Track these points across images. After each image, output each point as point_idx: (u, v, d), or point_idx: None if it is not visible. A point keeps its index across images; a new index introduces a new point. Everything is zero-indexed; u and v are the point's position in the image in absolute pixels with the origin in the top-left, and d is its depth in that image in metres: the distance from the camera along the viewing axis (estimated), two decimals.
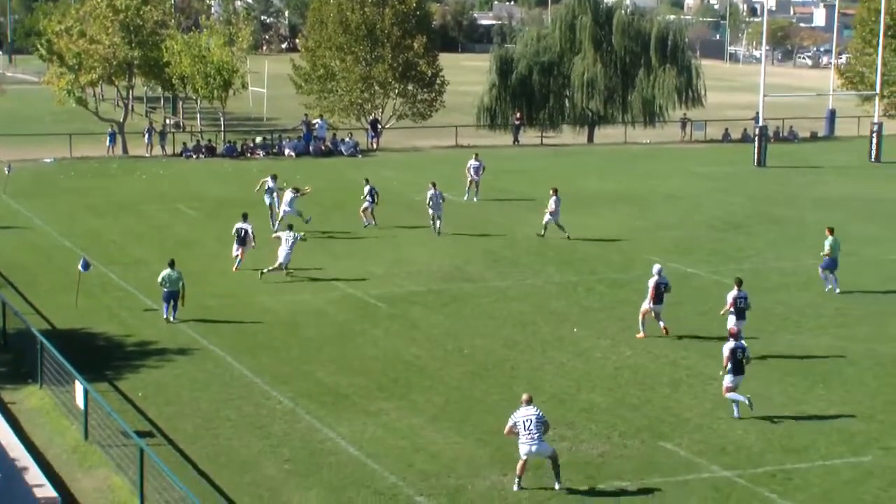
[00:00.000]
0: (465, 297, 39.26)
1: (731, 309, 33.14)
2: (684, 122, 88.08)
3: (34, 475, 24.01)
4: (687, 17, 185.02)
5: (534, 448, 23.76)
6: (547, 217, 48.11)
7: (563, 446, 25.97)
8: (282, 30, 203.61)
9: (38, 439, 26.69)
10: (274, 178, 49.91)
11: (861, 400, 29.41)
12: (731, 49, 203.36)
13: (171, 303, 35.83)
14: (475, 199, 55.67)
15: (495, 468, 24.93)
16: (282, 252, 41.12)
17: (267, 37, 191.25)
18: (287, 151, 74.47)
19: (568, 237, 47.67)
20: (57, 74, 75.84)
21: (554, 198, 48.15)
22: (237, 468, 24.95)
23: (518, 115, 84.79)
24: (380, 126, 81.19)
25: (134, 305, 37.62)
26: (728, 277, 41.48)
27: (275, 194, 49.18)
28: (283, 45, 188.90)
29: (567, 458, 25.38)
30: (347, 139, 76.93)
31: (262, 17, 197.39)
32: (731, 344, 28.38)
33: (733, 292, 33.34)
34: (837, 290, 39.87)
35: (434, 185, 48.64)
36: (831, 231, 40.54)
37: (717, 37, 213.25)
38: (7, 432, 26.36)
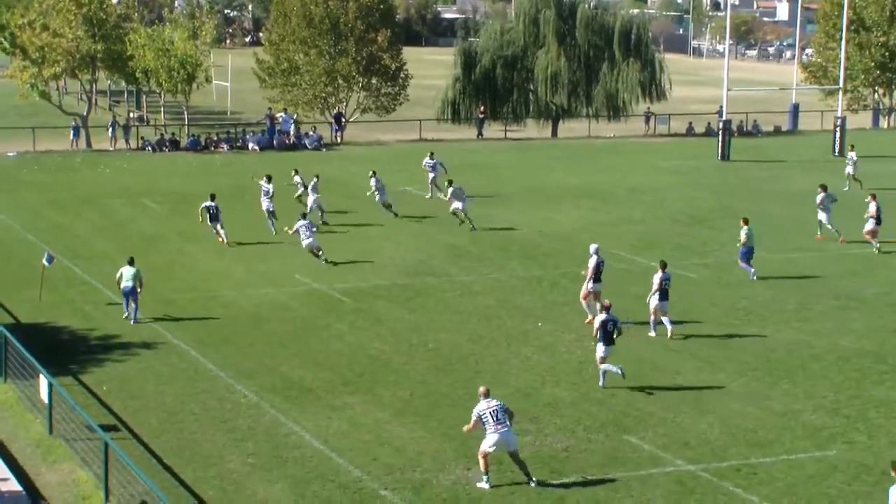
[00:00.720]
0: (429, 291, 39.31)
1: (657, 289, 34.08)
2: (648, 116, 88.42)
3: None
4: (650, 11, 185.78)
5: (505, 437, 23.71)
6: (456, 205, 48.87)
7: (527, 440, 26.05)
8: (245, 23, 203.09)
9: (2, 433, 26.59)
10: (269, 178, 49.29)
11: (825, 394, 29.59)
12: (694, 43, 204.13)
13: (131, 302, 35.25)
14: (439, 196, 55.42)
15: (460, 462, 24.99)
16: (305, 241, 42.48)
17: (230, 30, 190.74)
18: (251, 145, 74.34)
19: (472, 228, 48.50)
20: (20, 68, 75.48)
21: (451, 189, 49.04)
22: (202, 462, 24.93)
23: (482, 108, 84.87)
24: (344, 120, 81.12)
25: (98, 299, 37.52)
26: (692, 272, 41.89)
27: (272, 196, 48.49)
28: (247, 39, 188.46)
29: (531, 452, 25.47)
30: (311, 133, 76.85)
31: (226, 11, 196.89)
32: (602, 316, 29.76)
33: (659, 274, 34.23)
34: (754, 278, 40.78)
35: (374, 172, 50.46)
36: (746, 221, 41.28)
37: (681, 31, 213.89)
38: None
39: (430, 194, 56.30)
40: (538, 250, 45.31)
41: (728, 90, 75.70)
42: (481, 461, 24.05)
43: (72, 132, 73.73)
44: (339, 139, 79.50)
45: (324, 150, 74.85)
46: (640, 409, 28.37)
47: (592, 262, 35.36)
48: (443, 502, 23.31)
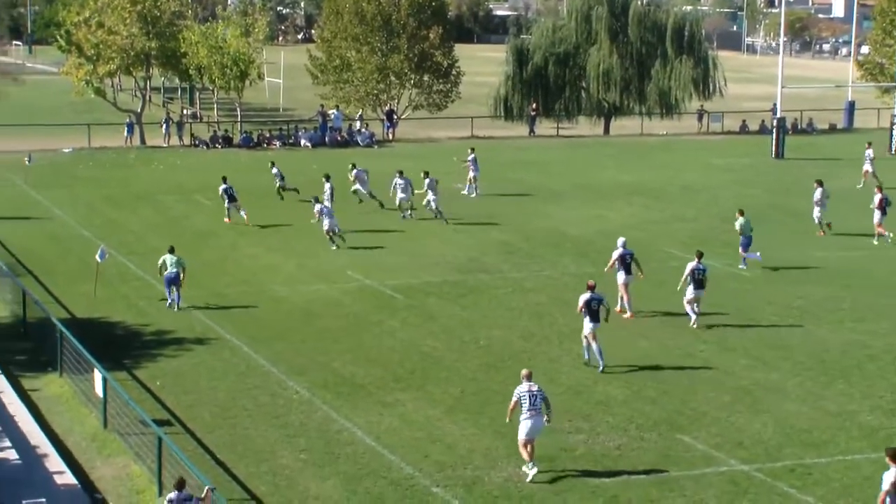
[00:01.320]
0: (481, 288, 39.29)
1: (689, 279, 34.68)
2: (701, 114, 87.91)
3: (54, 462, 24.21)
4: (704, 7, 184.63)
5: (534, 425, 24.03)
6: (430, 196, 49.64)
7: (579, 438, 26.06)
8: (298, 20, 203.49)
9: (58, 427, 26.83)
10: (327, 177, 50.42)
11: (882, 395, 29.32)
12: (748, 40, 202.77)
13: (174, 289, 36.05)
14: (474, 195, 55.31)
15: (511, 460, 24.94)
16: (326, 222, 44.57)
17: (283, 27, 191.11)
18: (303, 142, 74.54)
19: (446, 221, 49.14)
20: (75, 65, 75.95)
21: (427, 181, 49.53)
22: (254, 457, 25.04)
23: (534, 106, 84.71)
24: (395, 116, 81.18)
25: (151, 295, 37.72)
26: (745, 270, 41.60)
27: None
28: (300, 36, 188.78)
29: (584, 450, 25.48)
30: (363, 130, 76.97)
31: (279, 8, 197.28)
32: (586, 295, 30.81)
33: (692, 264, 34.81)
34: (743, 266, 41.79)
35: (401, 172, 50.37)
36: (741, 212, 42.36)
37: (735, 28, 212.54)
38: (28, 420, 26.56)
39: (466, 190, 55.98)
40: (590, 247, 45.14)
41: (782, 87, 75.20)
42: (522, 451, 24.20)
43: (126, 129, 74.18)
44: (390, 136, 79.56)
45: (375, 146, 74.92)
46: (693, 408, 28.23)
47: (616, 254, 36.08)
48: (494, 500, 23.30)
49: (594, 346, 30.82)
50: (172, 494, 20.60)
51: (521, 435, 24.15)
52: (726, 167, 66.88)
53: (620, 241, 36.54)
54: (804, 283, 40.23)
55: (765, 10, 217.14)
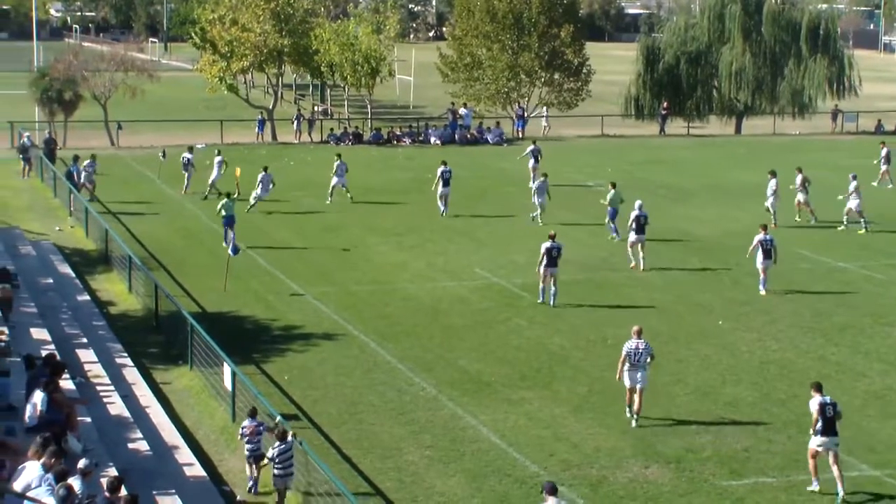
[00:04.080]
0: (608, 286, 39.11)
1: (759, 249, 38.15)
2: (835, 114, 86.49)
3: (184, 455, 24.56)
4: (840, 6, 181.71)
5: (633, 375, 26.58)
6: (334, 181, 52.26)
7: (706, 440, 25.86)
8: (429, 18, 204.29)
9: (188, 420, 27.24)
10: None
11: None
12: (885, 39, 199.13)
13: (230, 231, 42.52)
14: (531, 185, 54.40)
15: (638, 460, 24.84)
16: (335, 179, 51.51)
17: (414, 25, 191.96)
18: (433, 140, 74.79)
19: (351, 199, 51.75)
20: (209, 62, 76.90)
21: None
22: (380, 453, 25.19)
23: (665, 104, 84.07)
24: (526, 115, 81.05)
25: (280, 289, 38.13)
26: (879, 272, 40.96)
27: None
28: (430, 34, 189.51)
29: (710, 451, 25.27)
30: (493, 128, 77.01)
31: (410, 6, 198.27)
32: (547, 244, 36.10)
33: (759, 236, 38.22)
34: (618, 238, 43.99)
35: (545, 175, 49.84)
36: (613, 185, 46.18)
37: (872, 26, 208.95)
38: (159, 412, 26.98)
39: (532, 183, 54.86)
40: (719, 247, 44.70)
41: None
42: (627, 399, 27.07)
43: (257, 125, 75.02)
44: (520, 134, 79.45)
45: (505, 144, 74.89)
46: None
47: (633, 214, 41.31)
48: (619, 499, 23.20)
49: (552, 288, 36.29)
50: (246, 422, 23.59)
51: (626, 384, 26.84)
52: (860, 168, 65.50)
53: (637, 203, 41.91)
54: None
55: None
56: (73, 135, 70.09)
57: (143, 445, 24.42)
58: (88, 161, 53.35)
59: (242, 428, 23.64)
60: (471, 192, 54.67)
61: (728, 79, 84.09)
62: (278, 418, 23.86)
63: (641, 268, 40.90)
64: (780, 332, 34.07)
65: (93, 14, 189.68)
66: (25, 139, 61.84)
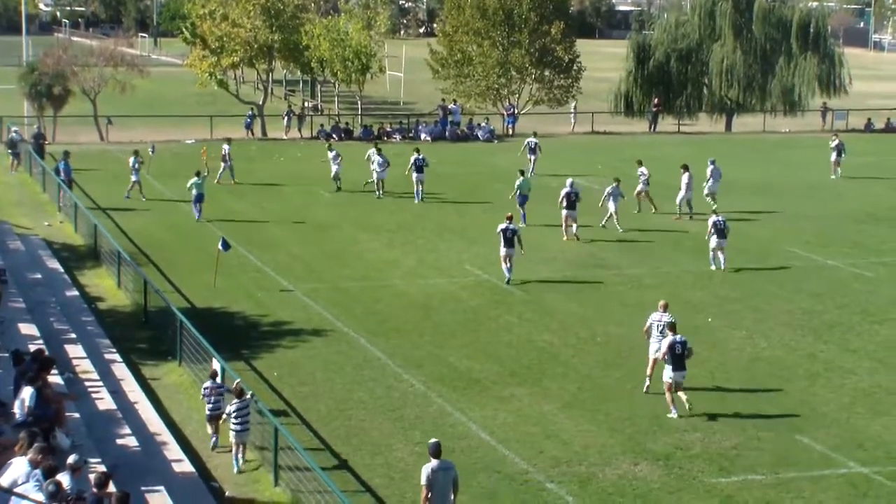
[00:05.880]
0: (598, 283, 39.10)
1: (712, 231, 40.65)
2: (824, 111, 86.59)
3: (173, 450, 24.50)
4: (830, 4, 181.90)
5: (661, 346, 27.61)
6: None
7: (695, 437, 25.88)
8: (419, 14, 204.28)
9: (176, 415, 27.16)
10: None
11: None
12: (875, 37, 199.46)
13: (199, 205, 47.08)
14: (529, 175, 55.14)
15: (627, 457, 24.84)
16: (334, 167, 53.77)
17: (405, 21, 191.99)
18: (423, 136, 74.72)
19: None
20: (199, 57, 76.78)
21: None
22: (369, 449, 25.17)
23: (657, 101, 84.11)
24: (516, 111, 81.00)
25: (270, 286, 38.08)
26: (869, 270, 41.02)
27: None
28: (421, 30, 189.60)
29: (700, 449, 25.28)
30: (484, 124, 76.96)
31: (400, 2, 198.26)
32: (502, 225, 38.12)
33: (712, 218, 40.93)
34: (524, 225, 44.61)
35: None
36: (522, 173, 48.61)
37: (862, 24, 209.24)
38: (148, 408, 26.92)
39: (529, 173, 55.83)
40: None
41: None
42: (649, 368, 28.53)
43: (245, 120, 74.69)
44: (510, 131, 79.41)
45: (495, 141, 74.88)
46: (812, 408, 27.86)
47: (563, 192, 44.69)
48: (608, 497, 23.18)
49: (509, 264, 38.17)
50: (208, 383, 25.19)
51: (650, 354, 28.45)
52: (850, 165, 65.68)
53: (569, 181, 45.42)
54: None
55: (893, 7, 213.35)
56: (62, 130, 69.92)
57: (131, 441, 24.36)
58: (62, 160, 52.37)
59: (204, 389, 25.28)
60: (461, 188, 54.67)
61: (718, 76, 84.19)
62: (237, 380, 25.02)
63: (566, 238, 44.73)
64: (769, 329, 34.11)
65: (82, 9, 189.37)
66: (14, 133, 61.63)
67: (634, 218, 48.46)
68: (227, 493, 23.13)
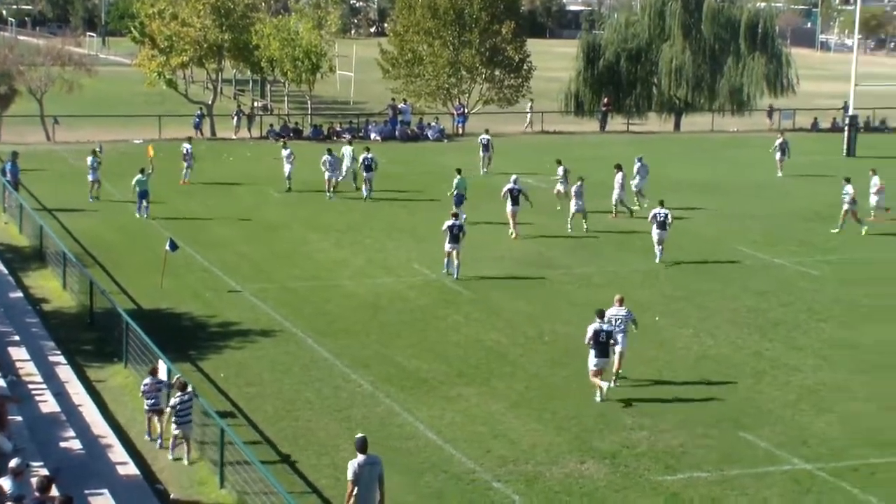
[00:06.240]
0: (547, 283, 39.18)
1: (653, 223, 41.66)
2: (771, 111, 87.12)
3: (118, 453, 24.36)
4: (778, 4, 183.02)
5: (619, 338, 28.61)
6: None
7: (642, 435, 25.96)
8: (370, 14, 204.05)
9: (121, 417, 26.99)
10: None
11: None
12: (822, 37, 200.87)
13: (144, 202, 47.51)
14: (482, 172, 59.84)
15: (574, 456, 24.90)
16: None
17: (355, 21, 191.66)
18: (373, 135, 74.61)
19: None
20: (148, 57, 76.36)
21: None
22: (316, 450, 25.12)
23: (607, 101, 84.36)
24: (466, 111, 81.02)
25: (218, 286, 37.93)
26: (814, 269, 41.34)
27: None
28: (372, 30, 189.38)
29: (646, 447, 25.37)
30: (433, 124, 76.96)
31: (351, 1, 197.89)
32: (449, 222, 38.64)
33: (655, 209, 41.91)
34: (464, 216, 42.31)
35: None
36: (459, 171, 48.79)
37: (809, 25, 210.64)
38: (92, 410, 26.75)
39: (482, 171, 59.94)
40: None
41: (856, 85, 74.39)
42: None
43: (194, 120, 74.20)
44: (461, 131, 79.43)
45: (445, 141, 74.91)
46: (757, 406, 28.03)
47: (506, 187, 45.42)
48: (555, 495, 23.23)
49: (455, 262, 38.57)
50: (147, 380, 25.50)
51: (618, 350, 29.06)
52: (797, 165, 66.11)
53: (512, 178, 45.95)
54: (873, 283, 39.81)
55: (839, 7, 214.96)
56: (8, 130, 69.42)
57: (75, 444, 24.22)
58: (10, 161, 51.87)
59: (143, 385, 25.53)
60: (410, 187, 54.68)
61: (668, 76, 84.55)
62: (178, 375, 25.47)
63: (514, 235, 45.12)
64: (715, 327, 34.28)
65: (29, 7, 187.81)
66: None
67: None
68: (172, 496, 23.02)
